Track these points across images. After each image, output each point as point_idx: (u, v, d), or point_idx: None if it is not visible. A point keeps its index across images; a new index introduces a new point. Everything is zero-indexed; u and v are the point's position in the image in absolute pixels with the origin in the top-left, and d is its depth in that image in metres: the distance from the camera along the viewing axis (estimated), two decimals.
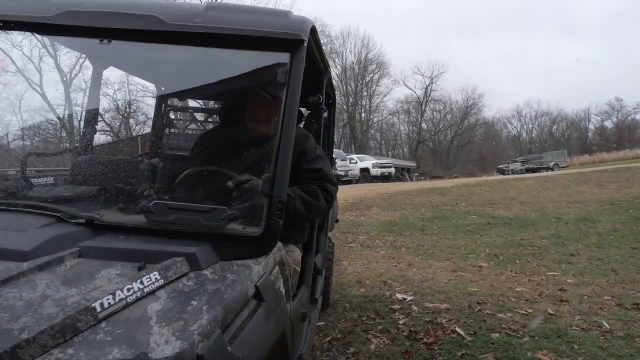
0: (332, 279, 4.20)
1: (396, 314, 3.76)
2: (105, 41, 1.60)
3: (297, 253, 1.98)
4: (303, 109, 3.35)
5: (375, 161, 25.09)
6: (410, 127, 48.86)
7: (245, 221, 1.32)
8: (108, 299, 0.95)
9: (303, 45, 1.55)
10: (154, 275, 1.06)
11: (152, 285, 1.04)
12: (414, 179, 29.17)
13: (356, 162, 23.94)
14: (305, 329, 2.22)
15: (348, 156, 24.36)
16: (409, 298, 4.15)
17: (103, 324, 0.92)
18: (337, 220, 4.64)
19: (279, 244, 1.43)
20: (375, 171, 23.76)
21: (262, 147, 1.76)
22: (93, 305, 0.93)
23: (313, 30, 1.77)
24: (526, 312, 3.69)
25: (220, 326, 0.95)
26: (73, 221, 1.24)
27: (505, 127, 56.17)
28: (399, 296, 4.20)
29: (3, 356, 0.79)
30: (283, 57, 1.54)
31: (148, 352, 0.83)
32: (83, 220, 1.24)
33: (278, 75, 1.49)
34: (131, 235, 1.24)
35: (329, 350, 3.08)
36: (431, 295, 4.25)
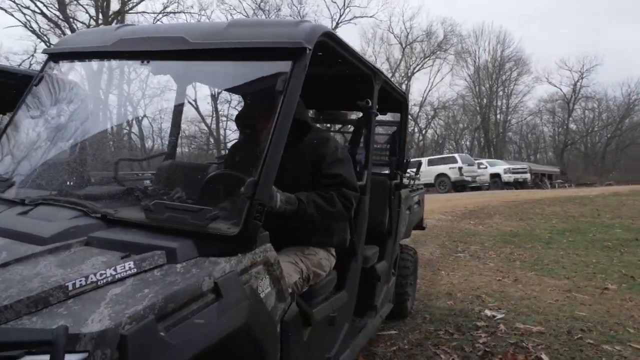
0: (414, 288, 4.05)
1: (479, 331, 3.47)
2: (145, 62, 1.87)
3: (320, 256, 2.00)
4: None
5: (507, 166, 23.08)
6: (556, 129, 43.53)
7: (231, 222, 1.42)
8: (80, 281, 1.14)
9: (305, 53, 1.59)
10: (129, 264, 1.22)
11: (124, 273, 1.20)
12: (557, 186, 26.04)
13: (486, 167, 22.35)
14: (341, 334, 2.23)
15: (477, 160, 22.86)
16: (499, 316, 3.78)
17: (70, 301, 1.10)
18: (423, 228, 4.47)
19: (267, 244, 1.49)
20: (507, 177, 21.84)
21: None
22: (66, 284, 1.12)
23: (330, 36, 1.79)
24: None
25: (155, 313, 1.06)
26: (93, 215, 1.48)
27: None
28: (488, 313, 3.86)
29: None
30: (287, 66, 1.60)
31: (80, 327, 0.98)
32: (99, 215, 1.48)
33: (278, 83, 1.56)
34: (134, 229, 1.43)
35: (391, 359, 3.00)
36: (527, 315, 3.81)
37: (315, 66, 2.26)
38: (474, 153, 37.92)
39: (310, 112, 3.69)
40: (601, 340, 3.24)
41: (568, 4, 59.29)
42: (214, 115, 28.79)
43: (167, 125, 3.64)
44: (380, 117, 3.91)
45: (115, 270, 1.19)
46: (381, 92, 2.64)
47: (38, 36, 23.11)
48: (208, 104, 28.36)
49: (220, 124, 28.56)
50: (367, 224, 2.49)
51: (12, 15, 22.08)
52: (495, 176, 22.05)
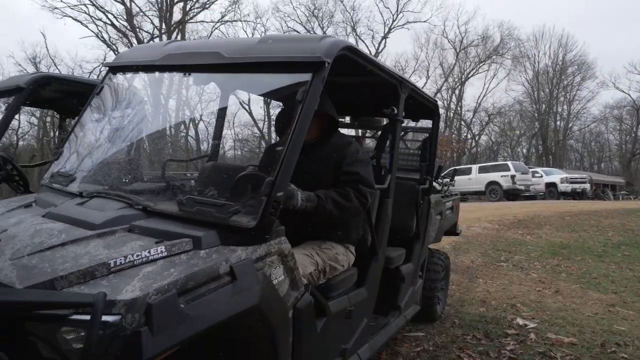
0: (445, 293, 4.08)
1: (507, 339, 3.46)
2: (187, 74, 2.11)
3: (336, 251, 2.15)
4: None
5: (564, 175, 21.90)
6: (623, 137, 40.71)
7: (251, 216, 1.60)
8: (120, 259, 1.37)
9: (324, 67, 1.76)
10: (160, 248, 1.44)
11: (156, 255, 1.42)
12: (621, 197, 24.40)
13: (541, 176, 21.37)
14: (359, 328, 2.36)
15: (532, 169, 21.91)
16: (531, 325, 3.73)
17: (111, 275, 1.33)
18: (457, 233, 4.47)
19: (282, 237, 1.67)
20: (564, 187, 20.72)
21: (305, 153, 1.99)
22: (109, 262, 1.35)
23: (351, 50, 1.95)
24: None
25: (177, 288, 1.27)
26: (136, 207, 1.73)
27: None
28: (520, 321, 3.82)
29: (46, 283, 1.27)
30: (307, 77, 1.78)
31: (116, 295, 1.20)
32: (141, 207, 1.72)
33: (298, 93, 1.74)
34: (168, 220, 1.66)
35: (414, 359, 3.07)
36: (561, 326, 3.74)
37: (345, 76, 2.43)
38: (530, 161, 36.27)
39: (346, 119, 3.85)
40: (637, 355, 3.14)
41: (638, 4, 55.24)
42: (266, 120, 29.75)
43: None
44: (413, 124, 4.00)
45: (149, 252, 1.42)
46: (412, 100, 2.75)
47: (108, 45, 25.19)
48: (261, 108, 29.43)
49: (272, 128, 29.44)
50: (389, 225, 2.61)
51: (87, 27, 24.41)
52: (550, 185, 21.02)
